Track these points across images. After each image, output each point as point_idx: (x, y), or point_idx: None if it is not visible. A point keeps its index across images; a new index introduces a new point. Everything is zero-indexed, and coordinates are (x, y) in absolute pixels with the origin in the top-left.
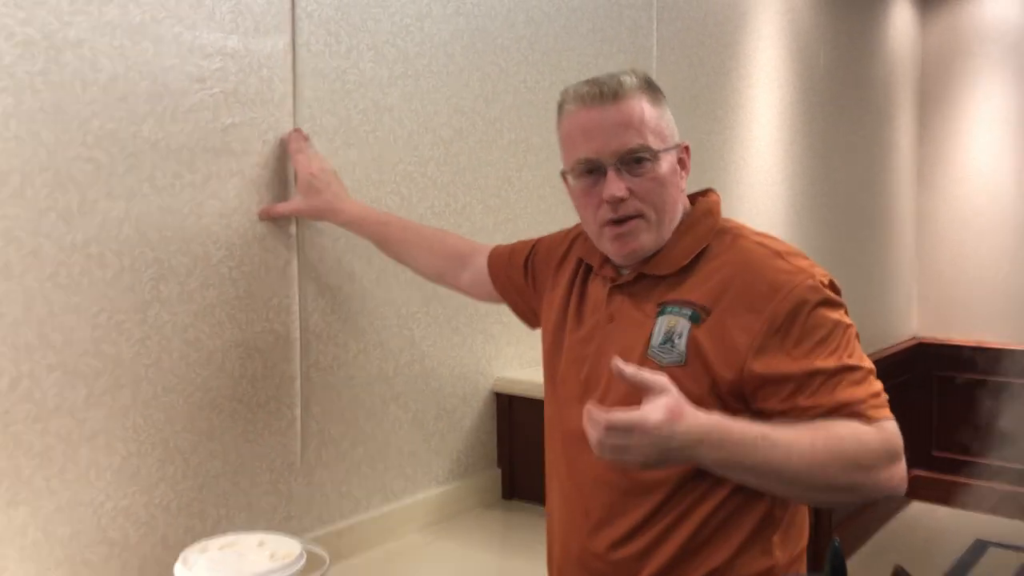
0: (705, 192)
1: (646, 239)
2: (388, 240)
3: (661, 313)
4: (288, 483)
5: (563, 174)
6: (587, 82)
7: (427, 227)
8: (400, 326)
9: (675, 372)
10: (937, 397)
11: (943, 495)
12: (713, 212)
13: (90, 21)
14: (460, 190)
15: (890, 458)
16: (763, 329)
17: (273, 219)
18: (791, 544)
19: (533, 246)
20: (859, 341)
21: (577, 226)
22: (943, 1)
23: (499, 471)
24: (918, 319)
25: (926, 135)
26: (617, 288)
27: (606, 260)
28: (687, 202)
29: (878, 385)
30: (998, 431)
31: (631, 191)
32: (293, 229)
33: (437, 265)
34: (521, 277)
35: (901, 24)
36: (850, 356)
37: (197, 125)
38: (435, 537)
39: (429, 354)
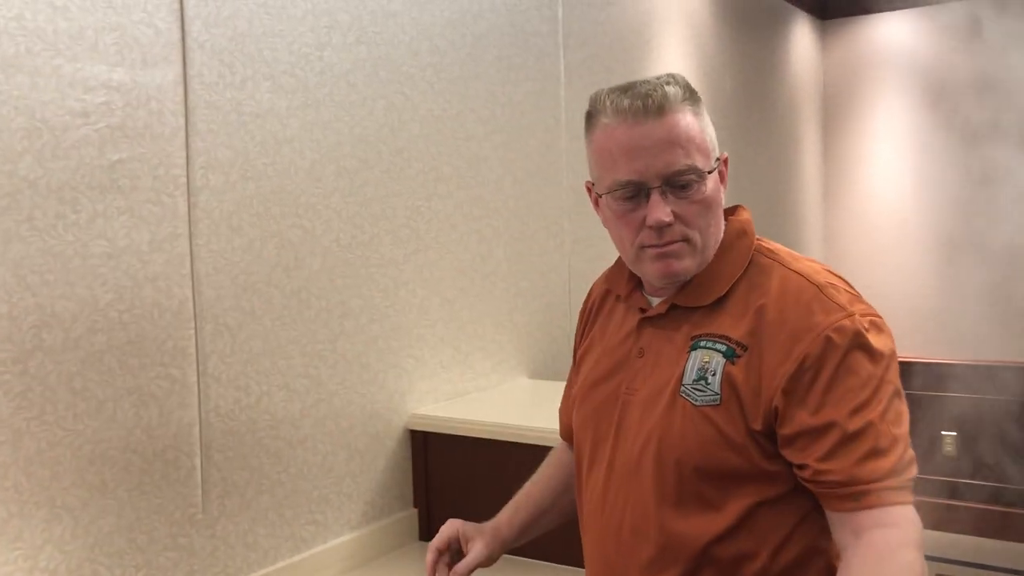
0: (735, 209)
1: (689, 263)
2: (548, 517)
3: (694, 348)
4: (189, 536)
5: (590, 188)
6: (626, 91)
7: (541, 473)
8: (306, 365)
9: (710, 414)
10: None
11: None
12: (748, 233)
13: None
14: (367, 221)
15: (917, 552)
16: (790, 372)
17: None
18: None
19: (575, 349)
20: (902, 400)
21: (598, 278)
22: (841, 25)
23: (415, 511)
24: None
25: (830, 155)
26: (647, 320)
27: (635, 288)
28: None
29: (907, 457)
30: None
31: (676, 215)
32: (188, 267)
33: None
34: None
35: (802, 48)
36: (881, 417)
37: (81, 162)
38: None
39: (338, 393)
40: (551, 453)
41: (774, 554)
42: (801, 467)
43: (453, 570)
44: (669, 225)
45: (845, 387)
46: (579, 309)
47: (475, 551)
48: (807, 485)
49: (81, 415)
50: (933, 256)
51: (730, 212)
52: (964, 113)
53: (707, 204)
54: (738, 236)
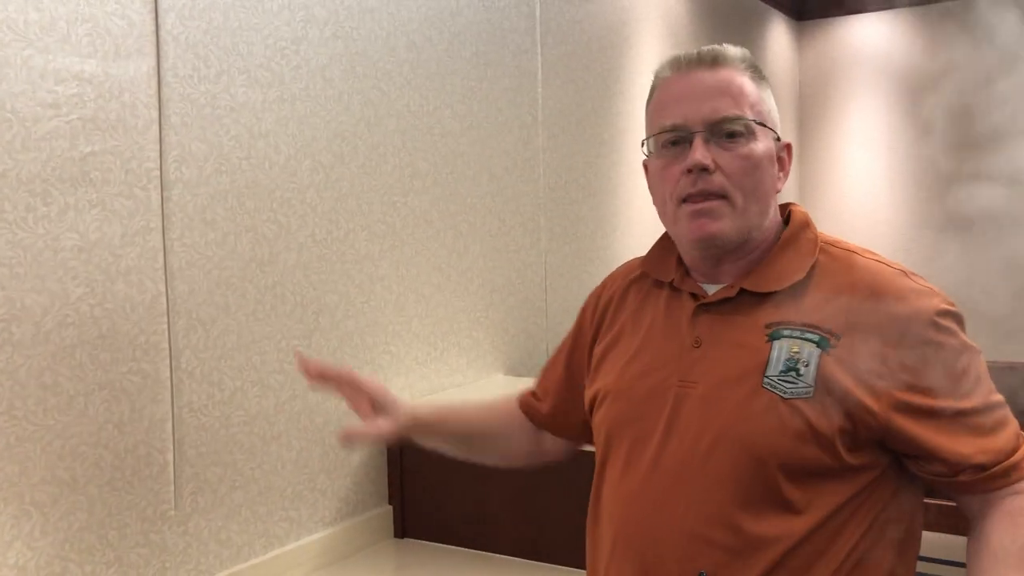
0: (789, 205)
1: (728, 224)
2: (472, 431)
3: (776, 337)
4: (161, 533)
5: (644, 162)
6: (682, 52)
7: (485, 402)
8: (281, 360)
9: (800, 405)
10: None
11: None
12: (811, 224)
13: None
14: (343, 217)
15: None
16: (906, 359)
17: (352, 442)
18: None
19: (575, 342)
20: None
21: (616, 271)
22: (817, 26)
23: (390, 508)
24: None
25: (805, 154)
26: (704, 307)
27: (686, 274)
28: (779, 211)
29: (1014, 420)
30: None
31: (718, 165)
32: (161, 261)
33: (523, 443)
34: (578, 385)
35: (778, 48)
36: (991, 389)
37: (52, 154)
38: None
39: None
40: (499, 401)
41: (849, 552)
42: (931, 460)
43: (350, 432)
44: (707, 170)
45: (960, 366)
46: (582, 305)
47: (383, 425)
48: (934, 479)
49: (51, 410)
50: (907, 256)
51: (785, 206)
52: (937, 113)
53: (754, 162)
54: (802, 227)
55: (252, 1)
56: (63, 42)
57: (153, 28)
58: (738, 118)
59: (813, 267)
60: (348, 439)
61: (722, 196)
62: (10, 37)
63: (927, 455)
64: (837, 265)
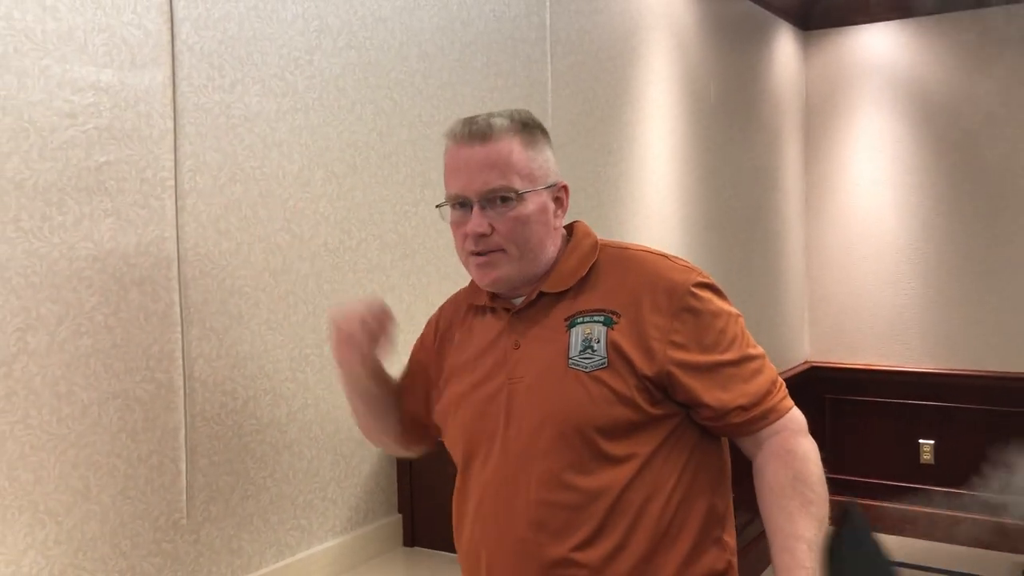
0: (572, 223)
1: (507, 270)
2: (376, 402)
3: (572, 325)
4: (174, 542)
5: (438, 206)
6: (465, 120)
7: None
8: (292, 369)
9: (600, 375)
10: (830, 419)
11: (835, 515)
12: (590, 233)
13: None
14: (355, 226)
15: (808, 438)
16: (671, 324)
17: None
18: (733, 534)
19: (425, 349)
20: (744, 325)
21: (447, 301)
22: (823, 35)
23: (400, 517)
24: (809, 344)
25: (811, 164)
26: (517, 316)
27: (495, 295)
28: (563, 233)
29: (773, 368)
30: (889, 451)
31: (494, 228)
32: (175, 270)
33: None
34: (427, 380)
35: (785, 58)
36: (747, 344)
37: (68, 163)
38: None
39: (324, 398)
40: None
41: (671, 491)
42: (700, 406)
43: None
44: (485, 235)
45: (719, 326)
46: (424, 329)
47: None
48: (709, 424)
49: (65, 419)
50: (913, 266)
51: (571, 224)
52: (943, 125)
53: (523, 221)
54: (584, 236)
55: (266, 11)
56: (80, 52)
57: (169, 38)
58: (504, 188)
59: (595, 265)
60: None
61: (500, 250)
62: (28, 46)
63: (697, 402)
64: (613, 260)
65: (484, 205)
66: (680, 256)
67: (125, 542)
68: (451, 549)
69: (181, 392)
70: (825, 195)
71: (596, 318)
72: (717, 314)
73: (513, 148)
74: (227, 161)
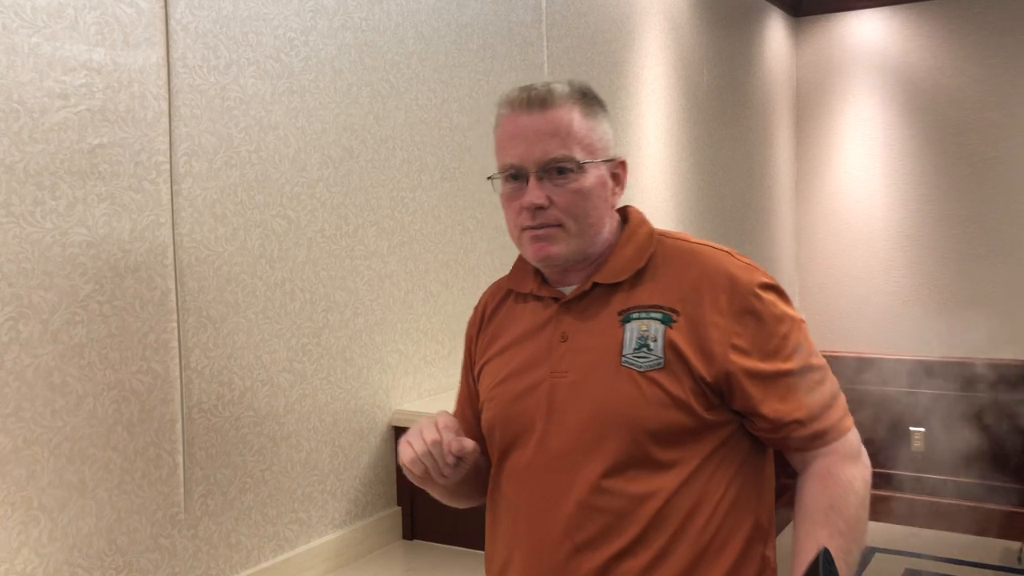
0: (627, 208)
1: (563, 247)
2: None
3: (627, 320)
4: (171, 537)
5: (490, 178)
6: (522, 88)
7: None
8: (290, 359)
9: (656, 376)
10: None
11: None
12: (646, 221)
13: None
14: (352, 212)
15: (857, 465)
16: (732, 326)
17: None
18: (775, 551)
19: (466, 365)
20: (807, 332)
21: (488, 288)
22: (814, 21)
23: (399, 509)
24: None
25: (802, 151)
26: (566, 306)
27: (544, 282)
28: (617, 216)
29: (835, 381)
30: (880, 439)
31: (552, 200)
32: (170, 257)
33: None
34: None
35: (776, 44)
36: (810, 353)
37: (60, 146)
38: None
39: (322, 388)
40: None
41: (718, 502)
42: (757, 416)
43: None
44: (542, 208)
45: (782, 332)
46: (466, 332)
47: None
48: (763, 435)
49: (59, 411)
50: (903, 252)
51: (623, 209)
52: (933, 111)
53: (583, 194)
54: (639, 224)
55: None
56: (71, 30)
57: (163, 17)
58: (565, 158)
59: (652, 256)
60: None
61: (557, 224)
62: (17, 23)
63: (753, 411)
64: (672, 252)
65: (541, 176)
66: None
67: (122, 538)
68: (451, 542)
69: (178, 383)
70: (815, 182)
71: (654, 314)
72: (781, 319)
73: (573, 116)
74: (222, 144)
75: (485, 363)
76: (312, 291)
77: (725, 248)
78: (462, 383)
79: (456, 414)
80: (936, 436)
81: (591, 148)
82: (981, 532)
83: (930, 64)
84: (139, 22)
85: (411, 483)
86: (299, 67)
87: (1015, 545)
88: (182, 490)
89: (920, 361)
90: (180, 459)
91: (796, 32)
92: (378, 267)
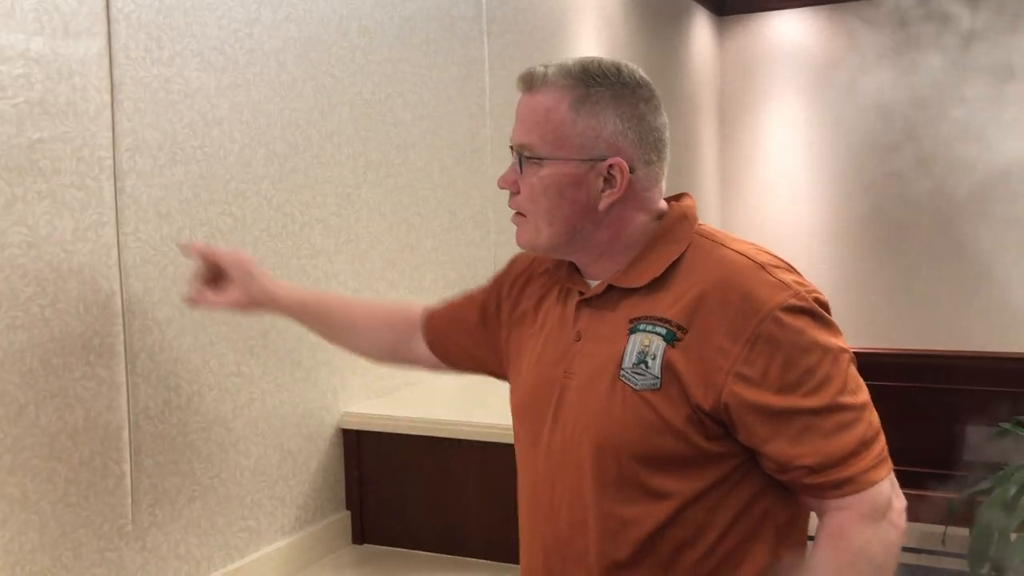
0: (679, 196)
1: (527, 238)
2: (332, 320)
3: (633, 331)
4: (119, 550)
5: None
6: (534, 65)
7: (364, 298)
8: (237, 362)
9: (649, 397)
10: None
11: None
12: (688, 217)
13: None
14: (297, 209)
15: (879, 527)
16: (742, 353)
17: (199, 304)
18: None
19: (490, 294)
20: (855, 366)
21: (518, 256)
22: (738, 21)
23: (348, 513)
24: None
25: (727, 148)
26: (585, 302)
27: (575, 271)
28: (663, 207)
29: (873, 425)
30: None
31: (519, 186)
32: (115, 257)
33: (387, 339)
34: (480, 333)
35: (701, 43)
36: (841, 390)
37: None
38: None
39: (270, 392)
40: (382, 301)
41: (715, 542)
42: (761, 455)
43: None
44: (512, 193)
45: (805, 365)
46: (509, 265)
47: (233, 290)
48: (773, 475)
49: (0, 421)
50: (827, 247)
51: (674, 199)
52: (855, 109)
53: (536, 188)
54: (678, 220)
55: None
56: (7, 17)
57: (104, 5)
58: (523, 147)
59: (678, 261)
60: (192, 302)
61: (520, 213)
62: None
63: (757, 450)
64: (701, 258)
65: (519, 159)
66: (789, 262)
67: (67, 553)
68: (401, 544)
69: (124, 389)
70: (740, 179)
71: (659, 329)
72: (808, 348)
73: (557, 105)
74: (167, 140)
75: (512, 329)
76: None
77: (763, 259)
78: (466, 300)
79: (451, 304)
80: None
81: (563, 142)
82: (916, 519)
83: (851, 63)
84: (79, 10)
85: (361, 486)
86: (243, 60)
87: (935, 529)
88: (129, 500)
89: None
90: (127, 468)
91: (720, 31)
92: (324, 266)
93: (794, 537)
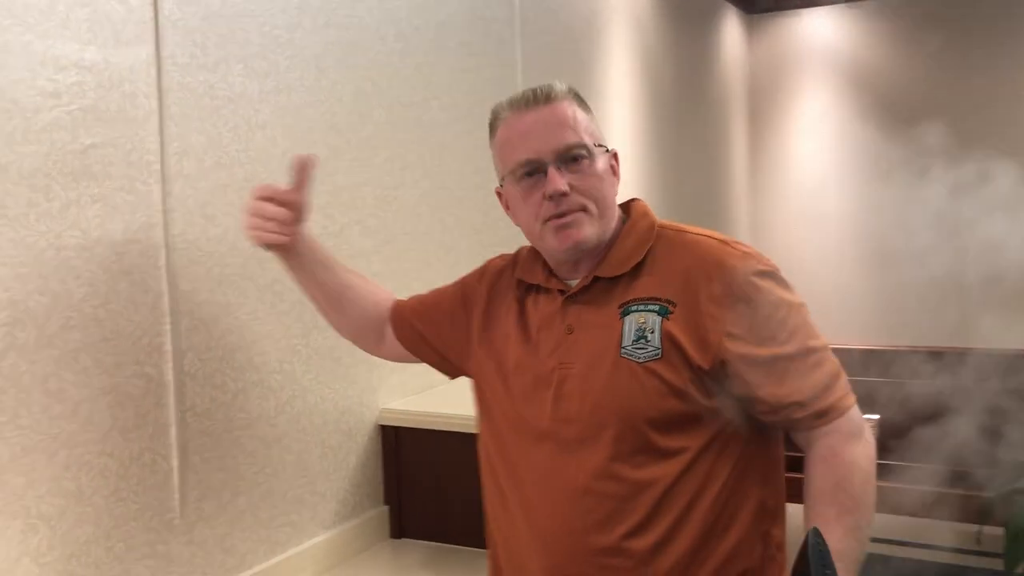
0: (631, 201)
1: (589, 231)
2: (335, 304)
3: (626, 313)
4: (167, 543)
5: (497, 190)
6: (521, 91)
7: (359, 285)
8: (280, 360)
9: (653, 366)
10: None
11: (796, 494)
12: (648, 213)
13: None
14: (337, 211)
15: (860, 442)
16: (727, 315)
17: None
18: (784, 528)
19: (457, 294)
20: (809, 315)
21: (496, 259)
22: (768, 19)
23: (386, 508)
24: None
25: (757, 145)
26: (571, 299)
27: (551, 274)
28: (619, 210)
29: (835, 362)
30: None
31: (572, 187)
32: (163, 259)
33: (359, 327)
34: (446, 328)
35: (731, 41)
36: (808, 336)
37: (53, 146)
38: None
39: (311, 389)
40: (376, 286)
41: (722, 485)
42: (755, 401)
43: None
44: (566, 195)
45: (778, 318)
46: (481, 269)
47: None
48: (764, 418)
49: (56, 418)
50: (855, 245)
51: (629, 202)
52: (884, 106)
53: (600, 177)
54: (642, 216)
55: None
56: (62, 27)
57: (152, 14)
58: (580, 144)
59: (651, 249)
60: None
61: (581, 209)
62: (9, 21)
63: (751, 396)
64: (669, 244)
65: (559, 166)
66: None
67: (119, 544)
68: (439, 539)
69: (171, 387)
70: (770, 175)
71: (651, 307)
72: (777, 305)
73: (575, 109)
74: (212, 144)
75: (483, 329)
76: (300, 293)
77: (723, 237)
78: (437, 295)
79: (419, 300)
80: (891, 424)
81: (594, 137)
82: (934, 516)
83: (881, 60)
84: (129, 19)
85: (399, 481)
86: (285, 65)
87: (969, 528)
88: (177, 495)
89: (874, 350)
90: (175, 463)
91: (750, 29)
92: (363, 267)
93: (775, 478)
